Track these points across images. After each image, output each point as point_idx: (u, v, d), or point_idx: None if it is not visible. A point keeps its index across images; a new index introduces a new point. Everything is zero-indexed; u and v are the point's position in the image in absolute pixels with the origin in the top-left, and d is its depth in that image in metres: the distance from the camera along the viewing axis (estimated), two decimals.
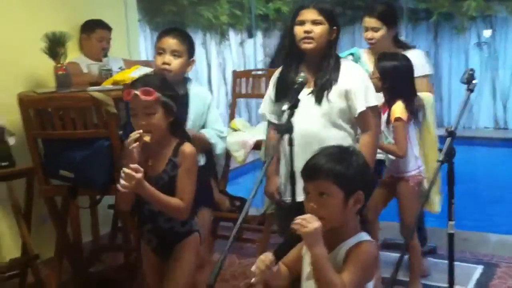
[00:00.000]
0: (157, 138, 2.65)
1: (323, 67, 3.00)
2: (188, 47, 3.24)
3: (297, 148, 2.48)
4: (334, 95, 2.97)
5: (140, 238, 2.98)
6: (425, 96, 3.83)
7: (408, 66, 3.61)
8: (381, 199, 3.73)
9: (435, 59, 10.87)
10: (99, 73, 3.78)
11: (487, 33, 10.71)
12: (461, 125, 10.20)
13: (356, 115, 3.02)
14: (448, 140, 2.51)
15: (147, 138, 2.58)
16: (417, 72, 3.85)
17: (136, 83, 2.69)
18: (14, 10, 4.22)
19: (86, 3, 4.72)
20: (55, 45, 3.83)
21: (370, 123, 3.07)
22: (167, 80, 2.85)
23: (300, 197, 2.36)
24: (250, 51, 10.59)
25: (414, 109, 3.62)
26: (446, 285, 2.65)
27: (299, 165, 2.29)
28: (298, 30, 3.00)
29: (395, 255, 3.98)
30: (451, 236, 2.58)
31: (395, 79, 3.53)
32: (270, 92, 3.21)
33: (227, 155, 4.02)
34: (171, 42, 3.19)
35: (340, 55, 3.25)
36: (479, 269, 4.17)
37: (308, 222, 1.96)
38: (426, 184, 3.70)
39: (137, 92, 2.59)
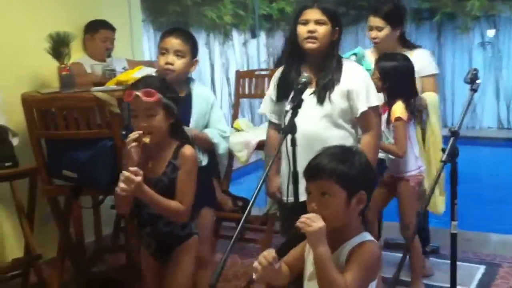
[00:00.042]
0: (157, 140, 2.64)
1: (325, 68, 3.01)
2: (191, 47, 3.24)
3: (299, 148, 2.48)
4: (336, 95, 2.98)
5: (139, 242, 2.96)
6: (429, 96, 3.83)
7: (408, 66, 3.61)
8: (381, 199, 3.73)
9: (438, 59, 10.84)
10: (102, 73, 3.79)
11: (490, 33, 10.70)
12: (465, 125, 10.19)
13: (358, 115, 3.02)
14: (452, 140, 2.51)
15: (146, 140, 2.58)
16: (424, 72, 3.86)
17: (137, 84, 2.68)
18: (18, 10, 4.22)
19: (90, 3, 4.72)
20: (59, 46, 3.84)
21: (372, 123, 3.08)
22: (168, 81, 2.85)
23: (302, 197, 2.37)
24: (254, 51, 10.58)
25: (414, 109, 3.63)
26: (448, 285, 2.65)
27: (301, 165, 2.29)
28: (301, 30, 3.00)
29: (396, 255, 3.99)
30: (454, 236, 2.57)
31: (395, 79, 3.53)
32: (271, 92, 3.21)
33: (230, 155, 4.02)
34: (174, 42, 3.19)
35: (344, 55, 3.26)
36: (481, 269, 4.17)
37: (313, 221, 1.96)
38: (426, 184, 3.71)
39: (139, 93, 2.58)
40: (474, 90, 2.68)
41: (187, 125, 3.16)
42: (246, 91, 4.79)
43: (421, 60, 3.89)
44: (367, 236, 2.12)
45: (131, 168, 2.46)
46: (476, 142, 9.59)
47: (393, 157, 3.61)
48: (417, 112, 3.74)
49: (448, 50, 11.09)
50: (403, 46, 3.94)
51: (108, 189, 3.40)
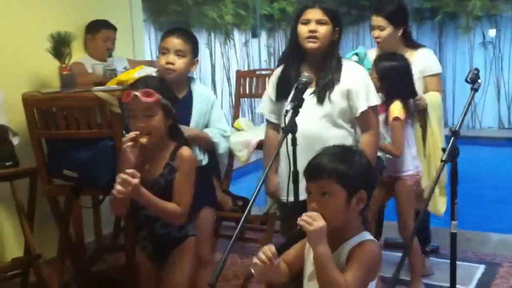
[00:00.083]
0: (155, 141, 2.62)
1: (325, 67, 3.02)
2: (192, 47, 3.24)
3: (298, 148, 2.48)
4: (336, 95, 2.99)
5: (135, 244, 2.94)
6: (431, 95, 3.83)
7: (405, 67, 3.62)
8: (379, 199, 3.74)
9: (439, 59, 10.81)
10: (103, 73, 3.79)
11: (492, 32, 10.68)
12: (465, 125, 10.19)
13: (358, 115, 3.03)
14: (452, 139, 2.51)
15: (143, 140, 2.55)
16: (427, 71, 3.87)
17: (136, 84, 2.66)
18: (19, 10, 4.22)
19: (91, 3, 4.73)
20: (60, 45, 3.84)
21: (371, 123, 3.09)
22: (167, 82, 2.84)
23: (302, 196, 2.37)
24: (255, 51, 10.58)
25: (412, 109, 3.64)
26: (448, 284, 2.65)
27: (300, 165, 2.29)
28: (302, 29, 3.01)
29: (396, 255, 3.99)
30: (453, 236, 2.57)
31: (393, 79, 3.54)
32: (270, 91, 3.21)
33: (230, 154, 4.02)
34: (175, 41, 3.18)
35: (346, 55, 3.26)
36: (481, 269, 4.18)
37: (314, 220, 1.96)
38: (424, 184, 3.71)
39: (138, 94, 2.55)
40: (475, 90, 2.69)
41: (188, 124, 3.16)
42: (247, 91, 4.80)
43: (425, 60, 3.90)
44: (367, 236, 2.12)
45: (128, 170, 2.43)
46: (477, 141, 9.58)
47: (390, 157, 3.61)
48: (417, 112, 3.74)
49: (449, 50, 11.08)
50: (406, 46, 3.93)
51: (108, 189, 3.39)
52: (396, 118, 3.52)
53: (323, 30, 2.99)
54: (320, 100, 2.98)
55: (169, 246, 2.76)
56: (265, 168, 3.17)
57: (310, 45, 3.00)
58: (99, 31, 4.55)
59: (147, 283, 2.86)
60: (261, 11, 10.30)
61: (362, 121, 3.07)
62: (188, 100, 3.23)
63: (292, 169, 2.49)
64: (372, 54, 3.94)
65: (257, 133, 4.15)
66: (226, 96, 9.88)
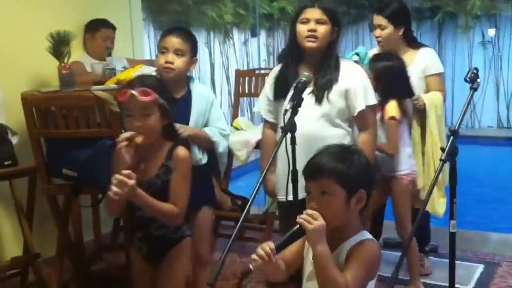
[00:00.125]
0: (150, 141, 2.58)
1: (324, 67, 3.03)
2: (191, 46, 3.24)
3: (297, 147, 2.48)
4: (334, 94, 3.00)
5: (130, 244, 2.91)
6: (432, 95, 3.83)
7: (400, 66, 3.63)
8: (375, 199, 3.74)
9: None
10: (102, 72, 3.80)
11: (491, 32, 10.68)
12: (464, 124, 10.18)
13: (356, 114, 3.04)
14: (451, 139, 2.52)
15: (139, 140, 2.51)
16: (429, 71, 3.87)
17: (133, 83, 2.62)
18: (18, 9, 4.23)
19: (90, 2, 4.73)
20: (59, 45, 3.84)
21: (370, 122, 3.10)
22: (164, 82, 2.83)
23: (301, 195, 2.37)
24: (254, 50, 10.58)
25: (408, 109, 3.65)
26: (447, 284, 2.65)
27: (299, 164, 2.29)
28: (302, 29, 3.01)
29: (395, 254, 3.99)
30: (452, 235, 2.58)
31: (388, 79, 3.55)
32: (267, 90, 3.21)
33: (229, 154, 4.02)
34: (174, 41, 3.18)
35: (347, 55, 3.26)
36: (480, 268, 4.18)
37: (314, 219, 1.96)
38: (420, 184, 3.71)
39: (134, 92, 2.51)
40: (474, 89, 2.69)
41: (187, 123, 3.16)
42: (246, 90, 4.80)
43: (427, 59, 3.90)
44: (367, 235, 2.12)
45: (124, 171, 2.39)
46: (476, 141, 9.59)
47: (384, 155, 3.61)
48: (417, 112, 3.74)
49: (448, 49, 11.08)
50: (408, 45, 3.93)
51: (107, 188, 3.40)
52: (392, 118, 3.53)
53: (322, 29, 2.99)
54: (319, 100, 2.99)
55: (165, 248, 2.72)
56: (262, 167, 3.18)
57: (309, 44, 3.00)
58: (99, 30, 4.56)
59: (142, 285, 2.82)
60: (261, 10, 10.28)
61: (360, 120, 3.08)
62: (187, 99, 3.23)
63: (291, 168, 2.49)
64: (373, 53, 3.94)
65: (256, 133, 4.14)
66: (225, 95, 9.88)
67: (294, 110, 2.47)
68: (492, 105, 10.76)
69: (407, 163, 3.65)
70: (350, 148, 2.21)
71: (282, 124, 2.47)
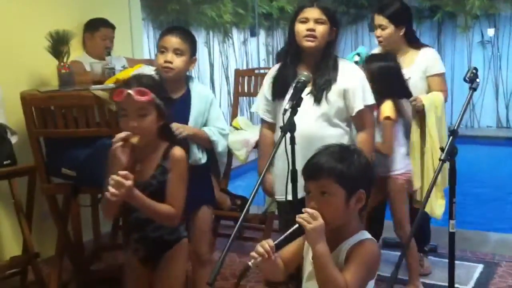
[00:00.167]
0: (146, 141, 2.55)
1: (322, 67, 3.02)
2: (190, 46, 3.24)
3: (296, 147, 2.48)
4: (333, 95, 3.00)
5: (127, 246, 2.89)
6: (433, 96, 3.82)
7: (395, 67, 3.63)
8: (372, 199, 3.73)
9: None
10: (102, 71, 3.79)
11: (490, 31, 10.68)
12: (464, 124, 10.16)
13: (354, 114, 3.05)
14: (450, 139, 2.52)
15: (134, 140, 2.49)
16: (431, 71, 3.87)
17: (129, 82, 2.58)
18: (17, 8, 4.23)
19: (90, 2, 4.73)
20: (58, 44, 3.84)
21: (368, 121, 3.11)
22: (160, 82, 2.81)
23: (300, 195, 2.37)
24: (253, 49, 10.58)
25: (403, 109, 3.65)
26: (446, 283, 2.65)
27: (298, 164, 2.29)
28: (300, 28, 3.01)
29: (394, 254, 3.99)
30: (452, 235, 2.58)
31: (384, 79, 3.54)
32: (265, 90, 3.21)
33: (229, 153, 4.02)
34: (173, 40, 3.18)
35: (348, 56, 3.26)
36: (479, 268, 4.18)
37: (313, 218, 1.96)
38: (416, 184, 3.71)
39: (131, 92, 2.48)
40: (473, 89, 2.69)
41: (186, 123, 3.16)
42: (245, 90, 4.80)
43: (428, 59, 3.89)
44: (366, 235, 2.12)
45: (121, 172, 2.36)
46: (475, 141, 9.59)
47: (379, 155, 3.61)
48: (417, 113, 3.73)
49: (448, 49, 11.08)
50: (409, 45, 3.92)
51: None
52: (387, 118, 3.54)
53: (321, 29, 2.99)
54: (318, 100, 2.99)
55: (161, 250, 2.69)
56: (260, 167, 3.18)
57: (308, 44, 3.00)
58: (98, 30, 4.55)
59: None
60: (260, 9, 10.29)
61: (359, 120, 3.09)
62: (186, 98, 3.23)
63: (290, 168, 2.49)
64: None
65: (256, 132, 4.12)
66: (224, 95, 9.88)
67: (294, 110, 2.47)
68: (491, 105, 10.76)
69: (402, 163, 3.65)
70: (349, 148, 2.21)
71: (281, 124, 2.46)
